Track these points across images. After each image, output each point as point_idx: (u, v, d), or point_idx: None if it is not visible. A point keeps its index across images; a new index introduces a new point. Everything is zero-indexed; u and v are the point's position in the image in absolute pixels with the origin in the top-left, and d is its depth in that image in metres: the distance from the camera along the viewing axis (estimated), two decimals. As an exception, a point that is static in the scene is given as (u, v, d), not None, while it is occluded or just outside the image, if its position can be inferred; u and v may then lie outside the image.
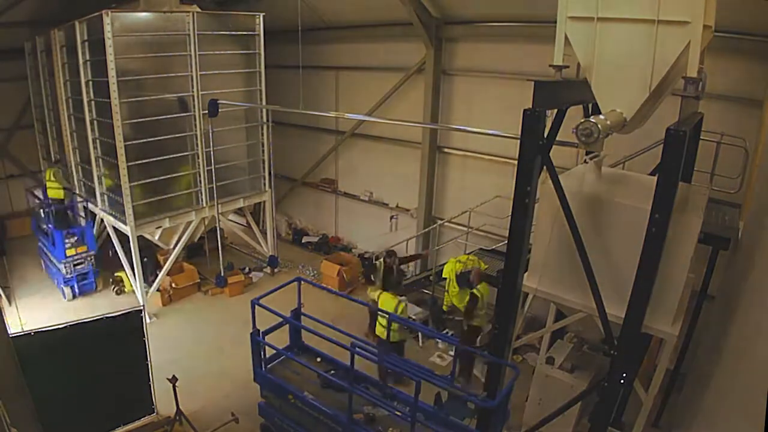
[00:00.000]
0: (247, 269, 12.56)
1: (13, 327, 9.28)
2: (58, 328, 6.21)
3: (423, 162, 11.47)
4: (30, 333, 6.05)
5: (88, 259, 11.09)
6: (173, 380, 6.91)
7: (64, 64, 10.98)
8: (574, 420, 6.15)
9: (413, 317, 9.83)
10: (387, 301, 7.92)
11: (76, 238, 10.86)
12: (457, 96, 10.97)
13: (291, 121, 14.43)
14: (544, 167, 4.38)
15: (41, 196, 11.80)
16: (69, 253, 10.73)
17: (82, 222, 11.70)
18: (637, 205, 4.28)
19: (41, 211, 11.60)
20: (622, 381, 4.36)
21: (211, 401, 7.82)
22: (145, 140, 9.83)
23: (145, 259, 11.02)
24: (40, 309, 10.54)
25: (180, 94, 10.19)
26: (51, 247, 11.21)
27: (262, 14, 10.99)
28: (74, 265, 10.86)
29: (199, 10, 10.23)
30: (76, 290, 11.07)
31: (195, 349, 9.37)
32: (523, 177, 4.33)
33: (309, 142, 14.49)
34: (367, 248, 13.37)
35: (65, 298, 11.00)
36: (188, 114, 10.36)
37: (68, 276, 10.87)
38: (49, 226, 11.00)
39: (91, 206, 11.44)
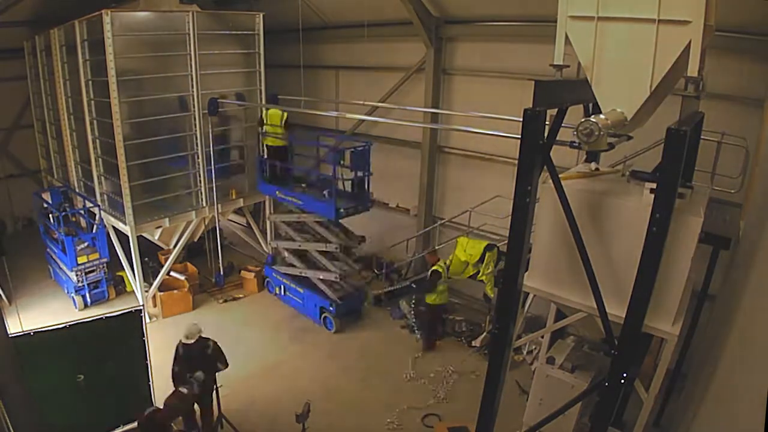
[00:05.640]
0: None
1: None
2: (58, 328, 6.21)
3: (423, 162, 11.45)
4: (30, 333, 6.04)
5: (101, 266, 10.66)
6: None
7: (63, 64, 10.98)
8: (575, 420, 6.14)
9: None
10: None
11: (86, 244, 10.43)
12: (457, 96, 10.94)
13: (291, 120, 14.33)
14: (544, 167, 4.36)
15: (49, 200, 11.20)
16: (80, 260, 10.26)
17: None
18: (637, 205, 4.27)
19: (50, 216, 11.15)
20: (622, 381, 4.34)
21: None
22: (145, 140, 9.83)
23: (146, 259, 10.98)
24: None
25: (180, 93, 10.18)
26: (61, 254, 10.77)
27: (261, 14, 10.99)
28: (86, 273, 10.45)
29: (198, 9, 10.23)
30: (88, 299, 10.63)
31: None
32: (523, 177, 4.30)
33: (309, 142, 14.45)
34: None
35: (76, 307, 10.55)
36: (188, 113, 10.37)
37: (79, 284, 10.44)
38: (59, 232, 10.50)
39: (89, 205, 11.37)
